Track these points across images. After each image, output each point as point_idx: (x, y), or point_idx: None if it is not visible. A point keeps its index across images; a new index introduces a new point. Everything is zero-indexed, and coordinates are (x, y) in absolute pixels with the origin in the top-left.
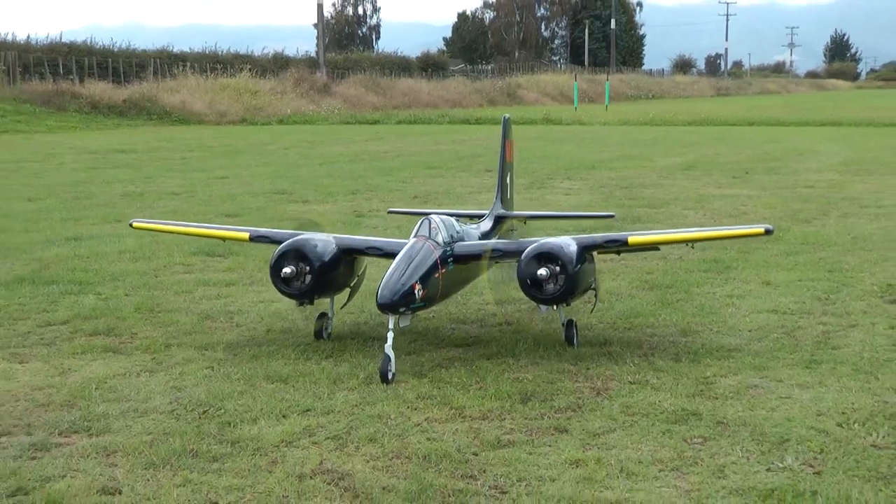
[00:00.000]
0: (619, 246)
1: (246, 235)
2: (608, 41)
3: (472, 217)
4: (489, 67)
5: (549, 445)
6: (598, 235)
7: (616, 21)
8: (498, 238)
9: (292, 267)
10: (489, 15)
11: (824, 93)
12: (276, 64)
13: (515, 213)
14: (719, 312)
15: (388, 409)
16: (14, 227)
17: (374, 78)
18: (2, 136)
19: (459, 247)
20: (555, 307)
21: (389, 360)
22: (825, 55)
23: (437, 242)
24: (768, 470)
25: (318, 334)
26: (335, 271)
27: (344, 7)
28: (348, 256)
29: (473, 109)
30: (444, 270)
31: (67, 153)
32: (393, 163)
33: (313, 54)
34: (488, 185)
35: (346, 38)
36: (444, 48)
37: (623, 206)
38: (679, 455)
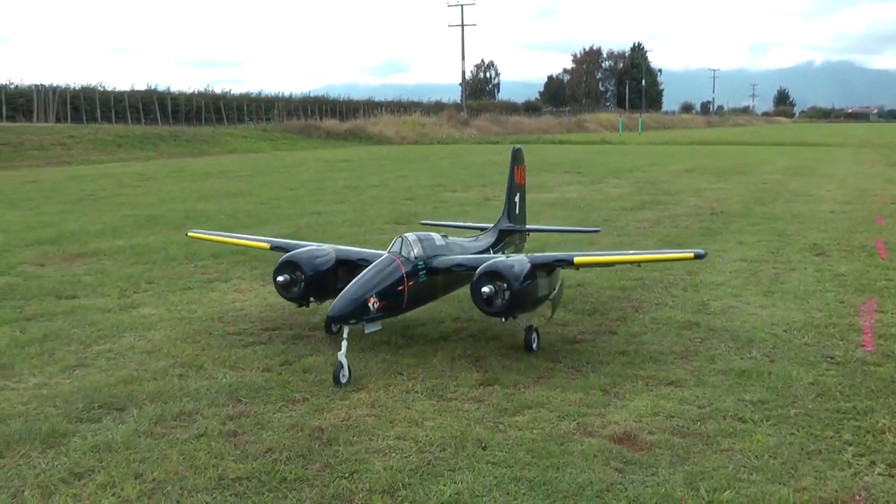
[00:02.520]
0: (567, 265)
1: (267, 245)
2: (641, 92)
3: (481, 230)
4: (566, 109)
5: (605, 342)
6: (551, 255)
7: (645, 80)
8: (501, 250)
9: (287, 275)
10: (567, 77)
11: (773, 125)
12: (437, 107)
13: (519, 227)
14: (711, 260)
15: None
16: (282, 206)
17: (496, 115)
18: (275, 152)
19: (439, 261)
20: (503, 319)
21: (342, 366)
22: (773, 101)
23: (406, 258)
24: (741, 358)
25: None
26: (329, 279)
27: (477, 72)
28: (346, 266)
29: (557, 135)
30: (411, 283)
31: (311, 162)
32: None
33: (458, 101)
34: (567, 180)
35: (479, 90)
36: (539, 97)
37: (650, 194)
38: (686, 349)
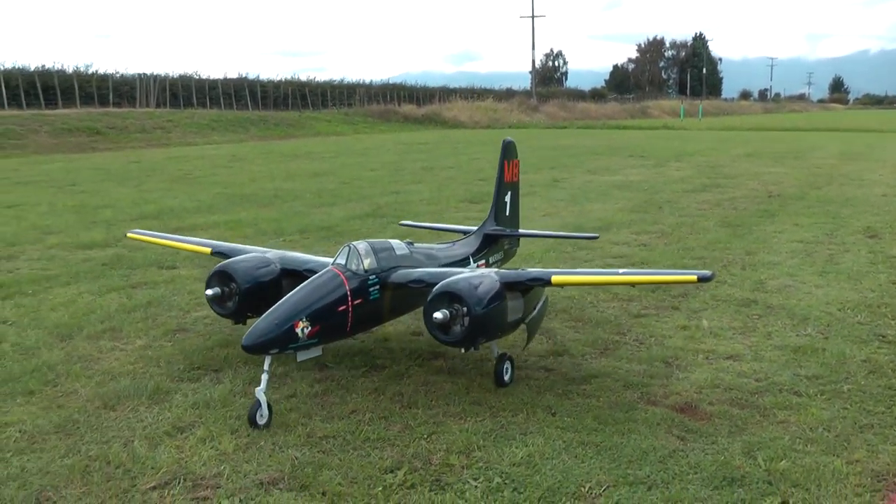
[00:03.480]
0: (543, 284)
1: (208, 250)
2: (701, 80)
3: (464, 233)
4: (631, 96)
5: (668, 317)
6: (528, 271)
7: (706, 68)
8: (485, 258)
9: (216, 289)
10: (631, 66)
11: (828, 112)
12: (507, 94)
13: (508, 231)
14: (768, 241)
15: (573, 293)
16: (363, 186)
17: (564, 102)
18: (356, 135)
19: (398, 274)
20: (462, 350)
21: (259, 405)
22: (829, 89)
23: (353, 272)
24: (797, 335)
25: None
26: (270, 292)
27: (547, 61)
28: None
29: (621, 120)
30: (357, 301)
31: (390, 145)
32: (573, 151)
33: (528, 88)
34: (631, 163)
35: (548, 78)
36: (605, 84)
37: (710, 177)
38: (744, 325)
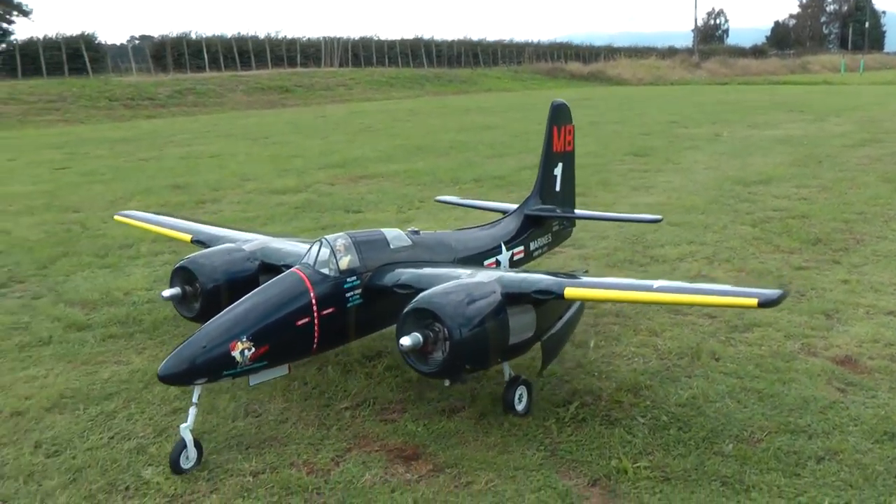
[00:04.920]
0: (555, 297)
1: (188, 237)
2: (863, 34)
3: (503, 213)
4: (791, 52)
5: (829, 270)
6: (539, 278)
7: (868, 22)
8: (524, 244)
9: (177, 289)
10: (792, 21)
11: None
12: (670, 52)
13: (554, 212)
14: None
15: (736, 244)
16: (531, 138)
17: (725, 59)
18: (525, 91)
19: (391, 275)
20: (446, 383)
21: (184, 445)
22: None
23: (323, 274)
24: None
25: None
26: (242, 291)
27: (708, 19)
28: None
29: (781, 76)
30: (328, 311)
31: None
32: (734, 106)
33: (690, 46)
34: (791, 118)
35: (709, 36)
36: (766, 41)
37: (870, 133)
38: None
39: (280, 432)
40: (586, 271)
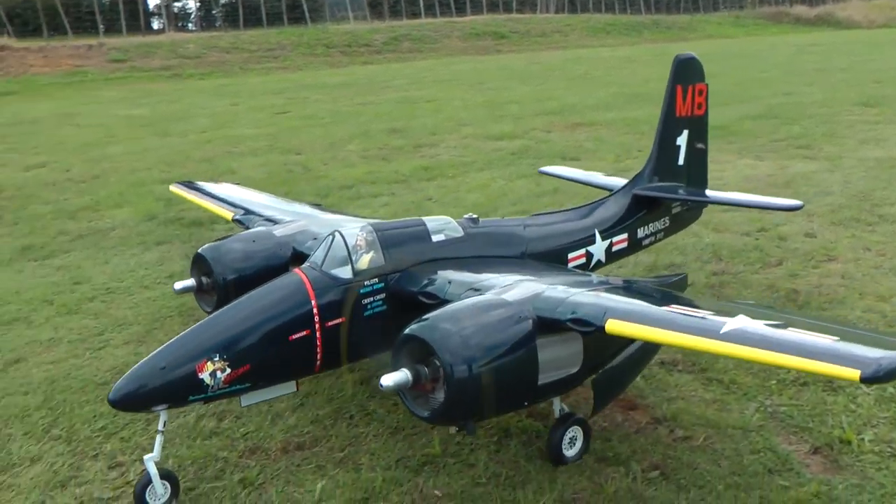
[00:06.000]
0: (595, 329)
1: (230, 215)
2: None
3: (610, 191)
4: None
5: None
6: (579, 302)
7: None
8: (629, 230)
9: (190, 282)
10: None
11: None
12: None
13: (675, 193)
14: None
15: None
16: (753, 87)
17: None
18: (747, 37)
19: (424, 277)
20: (452, 430)
21: (150, 479)
22: None
23: (331, 275)
24: None
25: None
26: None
27: None
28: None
29: None
30: (336, 322)
31: (781, 47)
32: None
33: None
34: None
35: None
36: None
37: None
38: None
39: None
40: (685, 277)
